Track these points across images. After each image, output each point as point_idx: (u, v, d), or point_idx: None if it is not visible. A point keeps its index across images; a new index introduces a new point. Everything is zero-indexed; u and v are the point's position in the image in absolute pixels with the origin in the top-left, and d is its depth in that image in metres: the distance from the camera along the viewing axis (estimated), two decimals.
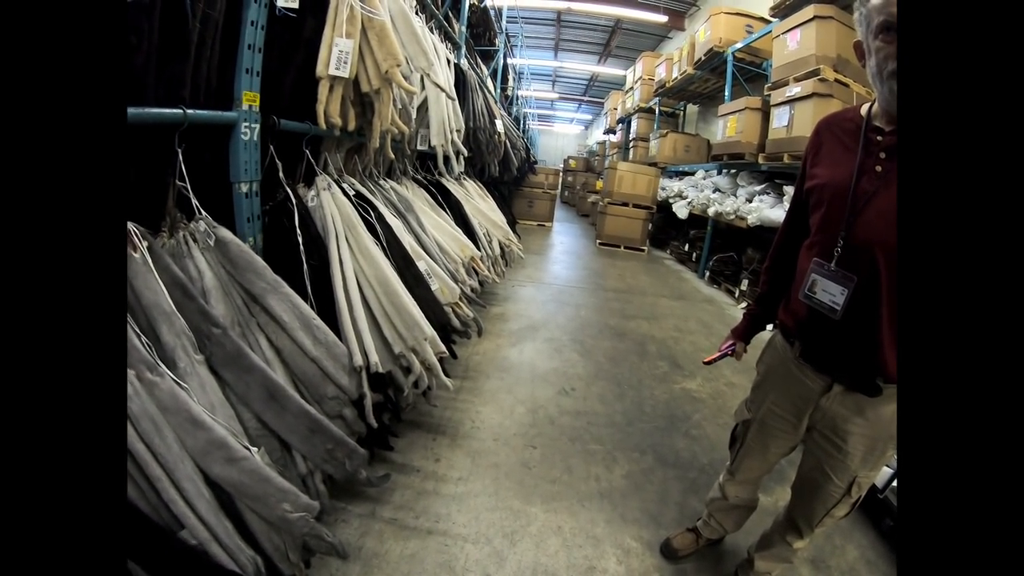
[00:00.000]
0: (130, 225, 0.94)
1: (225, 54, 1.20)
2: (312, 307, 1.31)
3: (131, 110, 0.91)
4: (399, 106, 1.83)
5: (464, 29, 3.76)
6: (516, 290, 4.12)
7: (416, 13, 2.16)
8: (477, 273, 2.54)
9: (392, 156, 1.99)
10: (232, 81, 1.24)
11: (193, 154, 1.11)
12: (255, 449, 0.93)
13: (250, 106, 1.28)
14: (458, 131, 2.51)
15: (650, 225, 6.73)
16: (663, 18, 9.14)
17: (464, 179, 3.58)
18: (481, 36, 5.15)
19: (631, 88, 9.73)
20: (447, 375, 1.68)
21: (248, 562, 0.89)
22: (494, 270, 3.09)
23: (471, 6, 4.09)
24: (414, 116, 2.17)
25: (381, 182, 2.20)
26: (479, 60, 4.94)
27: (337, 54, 1.41)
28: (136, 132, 1.00)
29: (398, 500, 1.54)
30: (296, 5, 1.36)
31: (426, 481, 1.64)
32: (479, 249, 2.76)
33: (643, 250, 6.78)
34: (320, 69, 1.42)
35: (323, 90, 1.47)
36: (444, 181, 3.01)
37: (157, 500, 0.81)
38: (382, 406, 1.54)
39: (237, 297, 1.17)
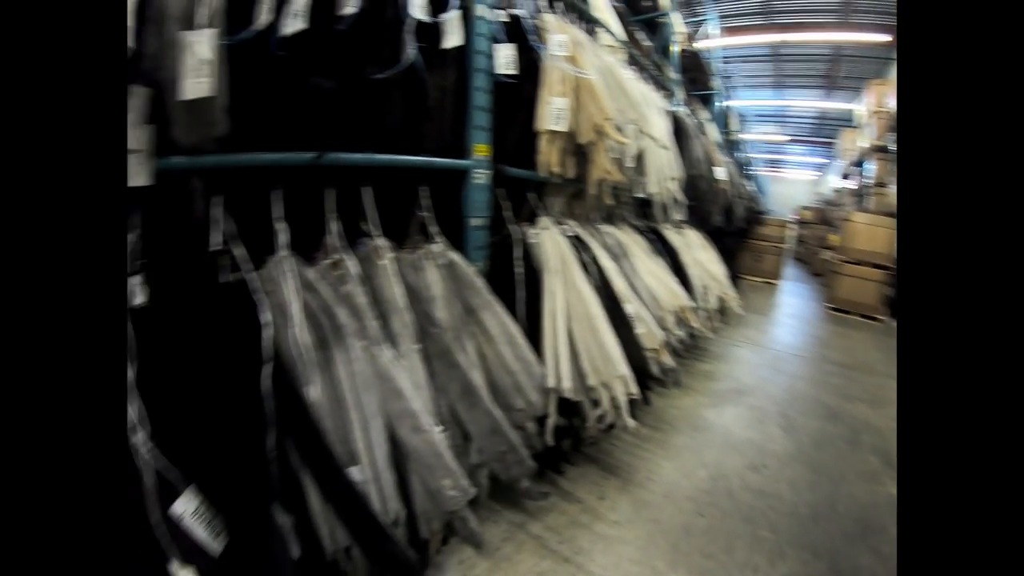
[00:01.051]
0: (380, 240, 1.29)
1: (459, 114, 1.53)
2: (521, 329, 1.50)
3: (387, 156, 1.27)
4: (614, 156, 1.98)
5: (675, 76, 3.78)
6: (731, 349, 3.80)
7: (627, 65, 2.32)
8: (687, 324, 2.47)
9: (610, 202, 2.14)
10: (466, 135, 1.56)
11: (435, 192, 1.44)
12: (439, 428, 1.13)
13: (481, 156, 1.58)
14: (675, 179, 2.53)
15: (890, 289, 5.35)
16: (886, 37, 7.62)
17: (684, 228, 3.52)
18: (696, 81, 5.05)
19: (862, 124, 8.15)
20: (636, 419, 1.67)
21: (393, 513, 1.07)
22: (708, 324, 2.93)
23: (681, 51, 4.09)
24: (631, 165, 2.29)
25: (599, 226, 2.34)
26: (697, 105, 4.84)
27: (554, 111, 1.64)
28: (390, 174, 1.37)
29: (550, 522, 1.58)
30: (515, 71, 1.64)
31: (583, 514, 1.65)
32: (693, 300, 2.69)
33: (880, 319, 5.41)
34: (539, 124, 1.67)
35: (543, 142, 1.71)
36: (663, 228, 3.02)
37: (344, 436, 1.06)
38: (564, 431, 1.63)
39: (457, 308, 1.44)
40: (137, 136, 0.91)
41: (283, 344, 1.03)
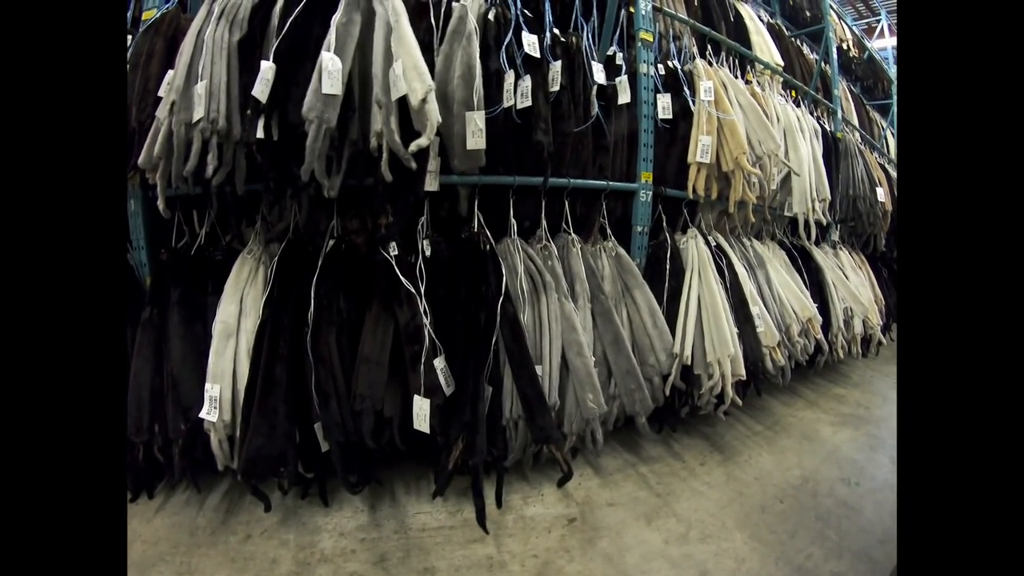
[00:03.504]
0: (573, 235, 2.01)
1: (631, 149, 2.13)
2: (662, 308, 2.05)
3: (581, 180, 1.96)
4: (753, 180, 2.34)
5: (838, 92, 3.73)
6: (871, 379, 3.53)
7: (783, 89, 2.62)
8: (813, 336, 2.66)
9: (752, 220, 2.52)
10: (635, 165, 2.14)
11: (611, 206, 2.10)
12: (593, 359, 1.74)
13: (646, 181, 2.16)
14: (823, 200, 2.73)
15: None
16: None
17: (841, 248, 3.54)
18: (872, 89, 4.73)
19: None
20: (751, 416, 2.07)
21: (552, 401, 1.76)
22: (844, 347, 3.02)
23: (853, 59, 3.93)
24: (773, 188, 2.59)
25: (743, 239, 2.70)
26: (873, 117, 4.53)
27: (701, 147, 2.12)
28: (581, 192, 2.04)
29: (655, 468, 2.03)
30: (670, 116, 2.18)
31: (683, 470, 2.04)
32: (830, 320, 2.88)
33: None
34: (689, 157, 2.16)
35: (693, 171, 2.19)
36: (810, 247, 3.17)
37: (536, 345, 1.78)
38: (682, 395, 2.10)
39: (619, 285, 2.05)
40: (432, 164, 1.67)
41: (511, 287, 1.77)
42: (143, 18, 1.97)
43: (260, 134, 1.55)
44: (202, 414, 1.61)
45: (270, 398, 1.59)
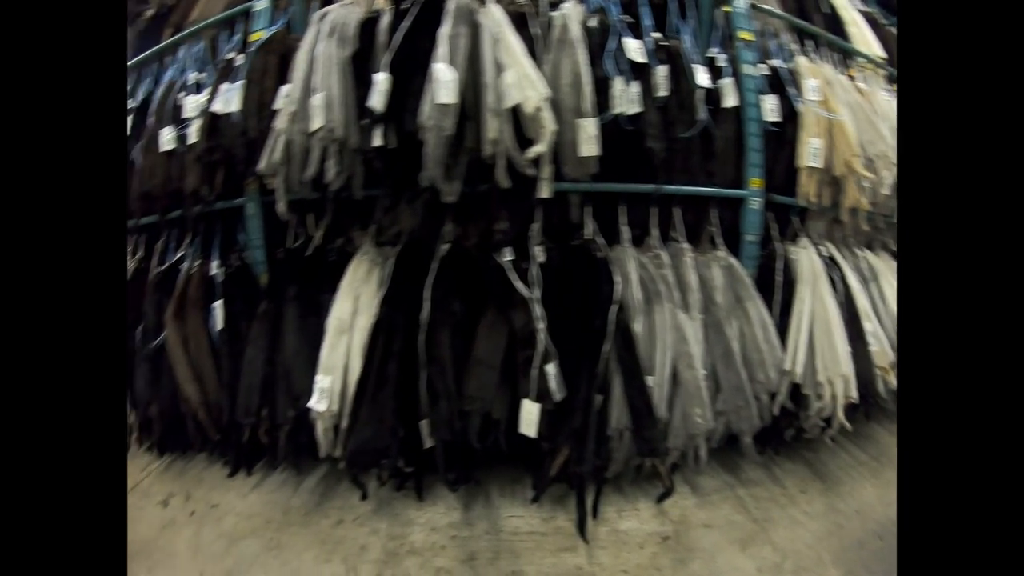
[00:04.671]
0: (684, 243, 1.96)
1: (738, 155, 2.04)
2: (772, 321, 1.95)
3: (690, 188, 1.93)
4: (865, 184, 2.18)
5: None
6: None
7: (888, 83, 2.45)
8: None
9: (866, 228, 2.35)
10: (743, 171, 2.05)
11: (722, 213, 2.04)
12: (703, 373, 1.67)
13: (755, 187, 2.06)
14: None
15: None
16: None
17: None
18: None
19: None
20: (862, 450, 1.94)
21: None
22: None
23: None
24: (886, 193, 2.40)
25: (856, 250, 2.50)
26: None
27: (811, 150, 1.99)
28: (691, 199, 1.99)
29: (754, 492, 1.90)
30: (778, 118, 2.07)
31: (782, 496, 1.90)
32: None
33: None
34: (799, 161, 2.04)
35: (803, 176, 2.07)
36: None
37: (648, 356, 1.73)
38: (790, 415, 1.97)
39: (730, 296, 1.95)
40: (546, 170, 1.68)
41: (624, 296, 1.75)
42: (251, 39, 2.15)
43: (378, 142, 1.62)
44: (311, 403, 1.71)
45: (381, 393, 1.67)
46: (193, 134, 2.04)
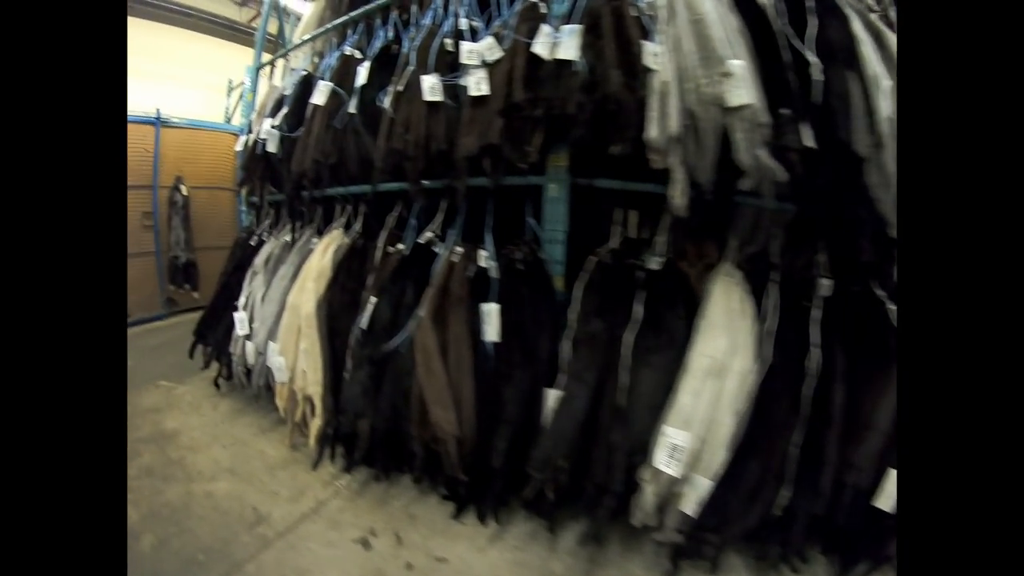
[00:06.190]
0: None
1: None
2: None
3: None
4: None
5: None
6: None
7: None
8: None
9: None
10: None
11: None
12: None
13: None
14: None
15: None
16: None
17: None
18: None
19: None
20: None
21: None
22: None
23: None
24: None
25: None
26: None
27: None
28: None
29: None
30: None
31: None
32: None
33: None
34: None
35: None
36: None
37: None
38: None
39: None
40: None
41: None
42: None
43: (809, 143, 1.27)
44: (659, 463, 1.31)
45: (764, 459, 1.31)
46: (478, 85, 1.57)
